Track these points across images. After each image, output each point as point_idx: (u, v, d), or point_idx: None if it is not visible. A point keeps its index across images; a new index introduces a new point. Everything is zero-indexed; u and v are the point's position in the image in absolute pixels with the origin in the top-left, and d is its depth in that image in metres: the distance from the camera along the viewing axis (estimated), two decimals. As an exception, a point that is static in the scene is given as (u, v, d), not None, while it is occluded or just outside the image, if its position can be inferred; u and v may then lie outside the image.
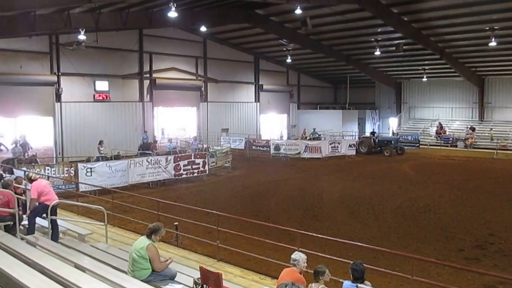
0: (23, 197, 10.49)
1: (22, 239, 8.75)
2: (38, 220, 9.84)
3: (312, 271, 6.44)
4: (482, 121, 35.64)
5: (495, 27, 24.66)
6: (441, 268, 9.86)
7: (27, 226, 9.49)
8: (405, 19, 25.96)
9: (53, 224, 9.56)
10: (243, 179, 22.38)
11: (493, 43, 25.55)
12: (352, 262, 6.28)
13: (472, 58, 31.94)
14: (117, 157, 21.52)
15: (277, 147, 30.08)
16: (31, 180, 9.85)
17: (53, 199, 9.56)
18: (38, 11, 21.20)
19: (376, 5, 24.13)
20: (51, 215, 9.38)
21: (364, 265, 6.39)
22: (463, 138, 33.45)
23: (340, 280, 7.20)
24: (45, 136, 27.26)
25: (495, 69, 33.37)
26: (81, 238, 10.23)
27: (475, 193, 18.86)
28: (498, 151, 30.32)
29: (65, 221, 11.09)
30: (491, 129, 33.66)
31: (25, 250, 7.26)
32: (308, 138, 33.46)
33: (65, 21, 22.48)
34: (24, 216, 9.61)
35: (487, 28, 24.88)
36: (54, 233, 9.52)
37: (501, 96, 34.95)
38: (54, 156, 25.90)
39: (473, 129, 33.83)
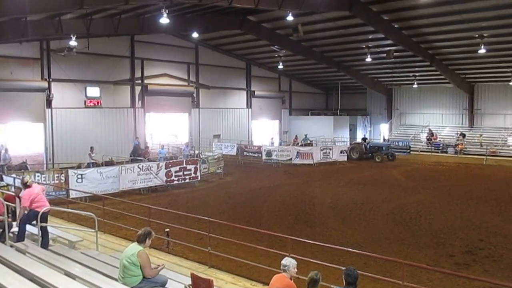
0: (12, 204, 10.41)
1: (11, 246, 8.68)
2: (28, 227, 9.76)
3: (302, 277, 6.42)
4: (472, 127, 36.00)
5: (484, 35, 24.97)
6: (432, 274, 9.90)
7: (16, 233, 9.41)
8: (396, 26, 26.19)
9: (43, 231, 9.47)
10: (235, 185, 22.35)
11: (482, 50, 25.83)
12: (345, 267, 6.28)
13: (462, 65, 32.30)
14: (110, 163, 21.39)
15: (268, 153, 30.12)
16: (25, 185, 9.73)
17: (44, 206, 9.48)
18: (29, 17, 21.12)
19: (367, 12, 24.32)
20: (41, 222, 9.30)
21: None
22: (453, 144, 33.72)
23: (332, 285, 7.22)
24: (36, 142, 27.03)
25: (484, 76, 33.75)
26: (71, 245, 10.15)
27: (465, 198, 18.98)
28: (488, 157, 30.59)
29: (55, 228, 11.01)
30: (481, 135, 34.01)
31: (14, 258, 7.22)
32: (299, 144, 33.52)
33: (56, 27, 22.43)
34: (14, 223, 9.53)
35: (477, 35, 25.18)
36: (44, 240, 9.44)
37: (491, 102, 35.36)
38: (45, 162, 25.71)
39: (463, 135, 34.11)
